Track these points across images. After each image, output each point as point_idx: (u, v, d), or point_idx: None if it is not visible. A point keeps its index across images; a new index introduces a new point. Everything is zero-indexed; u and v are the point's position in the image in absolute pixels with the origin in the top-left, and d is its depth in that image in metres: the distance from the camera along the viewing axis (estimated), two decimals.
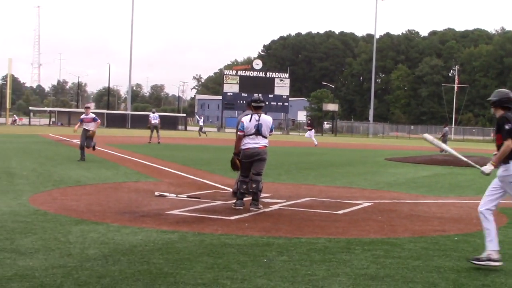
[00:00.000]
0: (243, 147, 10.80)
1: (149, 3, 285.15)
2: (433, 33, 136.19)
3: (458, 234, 8.89)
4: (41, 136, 41.08)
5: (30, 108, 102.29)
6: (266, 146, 10.84)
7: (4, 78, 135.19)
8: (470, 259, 6.91)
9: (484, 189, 7.30)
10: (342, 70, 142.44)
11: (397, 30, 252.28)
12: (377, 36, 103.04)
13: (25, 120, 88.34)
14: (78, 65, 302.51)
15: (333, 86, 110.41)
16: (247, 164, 10.83)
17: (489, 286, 6.10)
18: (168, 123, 72.86)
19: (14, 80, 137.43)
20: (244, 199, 10.90)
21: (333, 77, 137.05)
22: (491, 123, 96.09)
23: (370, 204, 11.88)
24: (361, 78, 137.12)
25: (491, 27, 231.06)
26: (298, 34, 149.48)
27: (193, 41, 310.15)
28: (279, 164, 21.37)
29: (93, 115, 20.94)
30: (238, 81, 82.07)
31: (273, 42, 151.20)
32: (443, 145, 8.25)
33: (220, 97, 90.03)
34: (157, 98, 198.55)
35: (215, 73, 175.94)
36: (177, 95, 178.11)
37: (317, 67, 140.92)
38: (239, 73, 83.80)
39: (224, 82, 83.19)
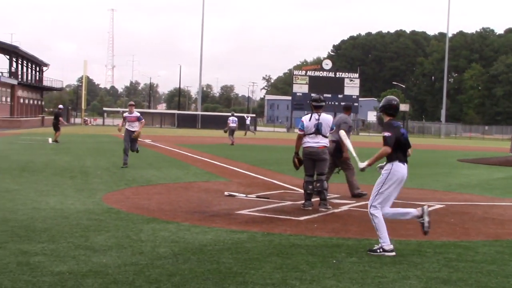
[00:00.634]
0: (303, 146, 10.79)
1: (220, 4, 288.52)
2: (509, 31, 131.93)
3: None
4: (114, 136, 42.04)
5: (104, 108, 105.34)
6: (326, 146, 10.78)
7: (80, 79, 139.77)
8: None
9: None
10: (413, 70, 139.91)
11: (471, 28, 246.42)
12: (449, 35, 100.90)
13: (99, 121, 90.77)
14: (150, 66, 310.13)
15: (403, 86, 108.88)
16: (309, 163, 10.80)
17: None
18: (239, 123, 73.07)
19: (89, 81, 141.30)
20: (312, 199, 10.87)
21: (403, 77, 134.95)
22: None
23: (441, 206, 11.64)
24: (432, 77, 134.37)
25: None
26: (368, 34, 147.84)
27: (263, 41, 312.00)
28: None
29: (138, 114, 18.75)
30: (308, 81, 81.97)
31: (342, 42, 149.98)
32: (348, 142, 9.04)
33: (290, 98, 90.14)
34: (227, 99, 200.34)
35: (284, 74, 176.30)
36: (246, 96, 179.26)
37: (387, 67, 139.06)
38: (309, 73, 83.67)
39: (294, 82, 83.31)
